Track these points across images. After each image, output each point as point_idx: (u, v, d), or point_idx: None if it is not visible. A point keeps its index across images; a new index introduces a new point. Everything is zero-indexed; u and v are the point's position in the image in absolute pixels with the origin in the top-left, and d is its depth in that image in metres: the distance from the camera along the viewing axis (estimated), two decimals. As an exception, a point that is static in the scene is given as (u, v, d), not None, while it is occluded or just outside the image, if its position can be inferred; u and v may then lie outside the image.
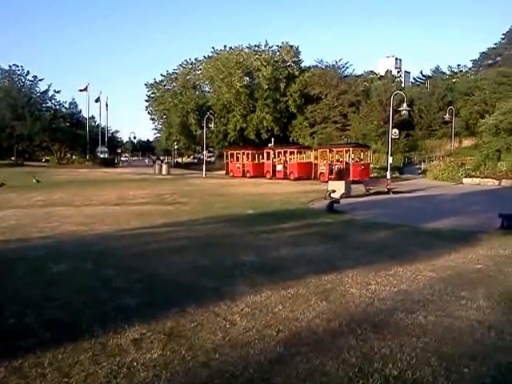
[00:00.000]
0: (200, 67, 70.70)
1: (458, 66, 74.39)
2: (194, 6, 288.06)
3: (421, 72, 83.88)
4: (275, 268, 8.70)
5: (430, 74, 78.23)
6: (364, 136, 55.41)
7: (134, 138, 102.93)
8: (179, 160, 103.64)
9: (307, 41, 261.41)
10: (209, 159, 64.14)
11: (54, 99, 72.89)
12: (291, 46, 67.54)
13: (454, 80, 67.69)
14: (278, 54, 67.09)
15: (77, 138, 72.38)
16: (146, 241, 11.63)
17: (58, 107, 73.71)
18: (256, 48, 67.43)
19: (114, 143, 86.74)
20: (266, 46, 67.49)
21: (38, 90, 71.65)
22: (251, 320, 5.83)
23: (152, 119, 76.90)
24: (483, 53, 75.39)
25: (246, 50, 67.78)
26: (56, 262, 8.87)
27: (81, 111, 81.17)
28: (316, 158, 43.58)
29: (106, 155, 74.33)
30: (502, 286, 7.57)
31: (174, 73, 72.24)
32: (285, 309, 6.26)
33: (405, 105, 34.10)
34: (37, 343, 5.05)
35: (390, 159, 31.86)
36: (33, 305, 6.38)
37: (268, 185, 34.67)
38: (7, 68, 69.68)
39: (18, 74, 69.99)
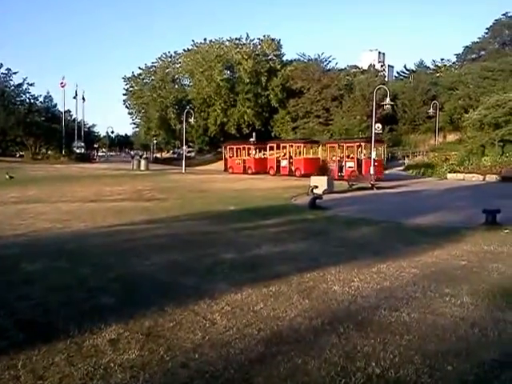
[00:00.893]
0: (179, 60, 70.25)
1: (442, 60, 75.16)
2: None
3: (404, 66, 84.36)
4: (256, 265, 8.69)
5: (413, 68, 78.61)
6: (347, 131, 55.59)
7: (112, 132, 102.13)
8: (158, 155, 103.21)
9: (289, 34, 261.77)
10: (189, 154, 63.74)
11: (29, 93, 72.11)
12: (273, 40, 67.24)
13: (437, 74, 68.35)
14: (259, 47, 66.75)
15: (52, 132, 71.00)
16: (123, 238, 11.55)
17: (32, 101, 72.82)
18: (237, 41, 67.06)
19: (90, 138, 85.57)
20: (247, 39, 67.23)
21: (12, 83, 70.87)
22: (232, 319, 5.81)
23: (130, 113, 76.38)
24: (467, 47, 76.14)
25: (227, 43, 67.41)
26: (30, 261, 8.77)
27: (56, 105, 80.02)
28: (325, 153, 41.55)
29: (83, 150, 73.52)
30: (486, 283, 7.64)
31: (152, 66, 71.57)
32: (266, 307, 6.25)
33: (388, 99, 34.29)
34: (10, 344, 4.97)
35: (374, 154, 32.03)
36: (5, 305, 6.29)
37: (250, 180, 34.66)
38: (-21, 61, 68.42)
39: (-9, 67, 68.89)
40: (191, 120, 53.46)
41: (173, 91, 68.22)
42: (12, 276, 7.81)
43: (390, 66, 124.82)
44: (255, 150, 46.69)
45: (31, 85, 71.50)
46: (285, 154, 42.77)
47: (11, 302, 6.41)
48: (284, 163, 42.22)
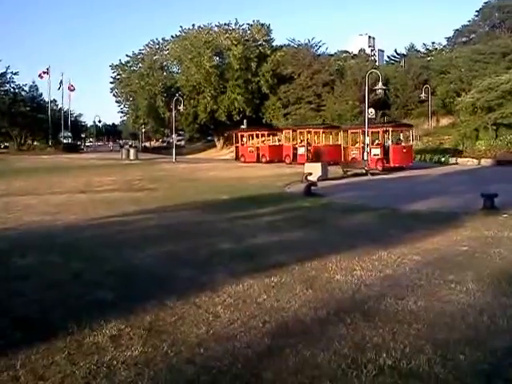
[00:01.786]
0: (167, 47, 69.07)
1: (433, 43, 74.63)
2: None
3: (395, 50, 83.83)
4: (255, 255, 8.63)
5: (404, 52, 78.34)
6: (339, 116, 55.33)
7: (99, 121, 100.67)
8: (147, 144, 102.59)
9: (278, 19, 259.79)
10: (178, 143, 63.23)
11: (13, 82, 69.98)
12: (262, 25, 66.41)
13: (429, 58, 67.93)
14: (248, 32, 65.94)
15: (38, 122, 69.51)
16: (116, 230, 11.42)
17: (17, 91, 70.73)
18: (226, 27, 66.07)
19: (77, 128, 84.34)
20: (236, 25, 66.24)
21: None
22: (235, 311, 5.74)
23: (118, 102, 75.17)
24: (457, 30, 75.83)
25: (216, 28, 66.39)
26: (21, 256, 8.64)
27: (42, 94, 77.88)
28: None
29: (70, 140, 72.54)
30: (490, 268, 7.62)
31: (140, 53, 70.28)
32: (269, 298, 6.19)
33: (380, 83, 34.10)
34: (6, 344, 4.85)
35: (367, 139, 31.90)
36: None
37: (243, 168, 34.43)
38: (-40, 49, 67.49)
39: (-28, 56, 67.97)
40: (180, 108, 52.92)
41: (161, 78, 67.13)
42: (3, 272, 7.68)
43: (381, 51, 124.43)
44: (269, 136, 44.02)
45: (15, 74, 69.40)
46: (302, 141, 39.27)
47: (4, 299, 6.31)
48: (301, 151, 38.51)
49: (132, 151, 51.86)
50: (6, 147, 74.15)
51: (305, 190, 18.48)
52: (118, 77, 71.49)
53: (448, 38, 76.67)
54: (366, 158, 30.82)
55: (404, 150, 33.14)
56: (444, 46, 74.26)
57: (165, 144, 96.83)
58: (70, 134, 72.81)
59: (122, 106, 76.75)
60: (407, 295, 6.27)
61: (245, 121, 55.47)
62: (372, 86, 37.72)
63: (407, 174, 28.36)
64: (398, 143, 33.82)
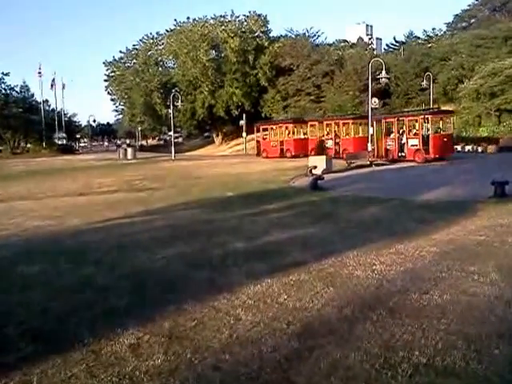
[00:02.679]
0: (162, 41, 68.57)
1: (433, 29, 74.34)
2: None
3: (394, 38, 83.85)
4: (269, 253, 8.53)
5: (403, 39, 78.12)
6: (340, 107, 55.11)
7: (94, 121, 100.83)
8: (144, 143, 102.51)
9: (275, 9, 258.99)
10: (176, 140, 62.98)
11: (4, 83, 69.81)
12: (259, 15, 65.92)
13: (429, 45, 67.58)
14: (245, 24, 65.45)
15: (31, 124, 69.38)
16: (123, 232, 11.31)
17: (8, 92, 70.48)
18: (221, 19, 65.70)
19: (72, 128, 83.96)
20: (232, 16, 65.93)
21: None
22: (257, 313, 5.64)
23: (113, 100, 74.94)
24: (457, 15, 75.57)
25: (211, 21, 65.93)
26: (27, 263, 8.46)
27: (33, 95, 77.59)
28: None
29: (65, 141, 72.35)
30: (510, 258, 7.56)
31: (134, 49, 69.84)
32: (290, 298, 6.09)
33: (383, 72, 33.94)
34: (21, 358, 4.69)
35: (371, 130, 31.75)
36: (8, 313, 6.03)
37: (244, 164, 34.32)
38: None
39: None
40: (178, 104, 52.66)
41: (157, 74, 66.75)
42: (10, 281, 7.50)
43: (378, 39, 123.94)
44: (294, 128, 41.14)
45: (6, 74, 69.47)
46: (329, 133, 37.33)
47: (14, 310, 6.13)
48: (329, 144, 36.58)
49: (129, 150, 51.70)
50: (-1, 151, 73.69)
51: (311, 183, 18.39)
52: (112, 74, 71.04)
53: (448, 24, 76.43)
54: (369, 148, 30.69)
55: (445, 140, 30.63)
56: (444, 32, 73.90)
57: (162, 142, 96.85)
58: (64, 134, 72.43)
59: (118, 104, 76.66)
60: (431, 289, 6.18)
61: (244, 115, 55.19)
62: (373, 74, 37.48)
63: (411, 164, 28.22)
64: (437, 132, 30.92)
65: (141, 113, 68.91)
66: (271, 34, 67.94)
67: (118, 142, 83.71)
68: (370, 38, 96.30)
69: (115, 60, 70.83)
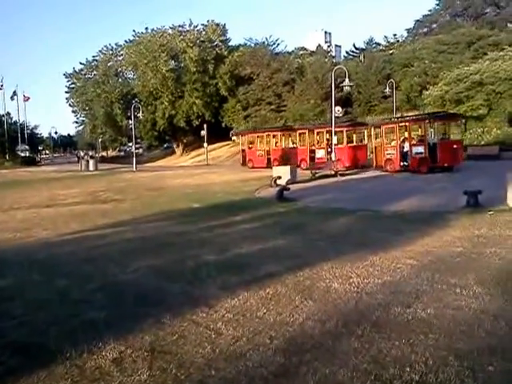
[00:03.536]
0: (121, 53, 68.96)
1: (395, 35, 75.77)
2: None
3: (353, 45, 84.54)
4: (242, 266, 8.49)
5: (363, 46, 79.22)
6: (301, 116, 55.55)
7: (55, 133, 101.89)
8: (104, 154, 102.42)
9: (232, 18, 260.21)
10: (136, 151, 62.78)
11: None
12: (217, 25, 66.52)
13: (390, 51, 68.77)
14: (203, 33, 65.92)
15: None
16: (92, 245, 11.25)
17: None
18: (180, 28, 66.26)
19: (34, 140, 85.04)
20: (190, 26, 66.51)
21: None
22: (237, 327, 5.60)
23: (74, 112, 75.26)
24: (418, 21, 77.06)
25: (170, 31, 66.41)
26: (0, 275, 8.47)
27: None
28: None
29: (27, 153, 72.79)
30: (491, 269, 7.66)
31: (94, 60, 70.30)
32: (269, 312, 6.05)
33: (347, 80, 34.14)
34: (5, 371, 4.70)
35: (335, 139, 31.96)
36: None
37: (204, 175, 34.20)
38: None
39: None
40: (139, 115, 52.86)
41: (117, 85, 67.24)
42: None
43: (337, 46, 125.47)
44: (282, 137, 40.25)
45: None
46: (319, 142, 36.12)
47: None
48: (320, 153, 35.09)
49: (91, 162, 51.63)
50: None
51: (277, 194, 18.38)
52: (73, 86, 71.47)
53: (409, 30, 78.02)
54: (333, 158, 30.90)
55: (454, 147, 28.22)
56: (405, 38, 75.25)
57: (122, 153, 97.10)
58: (27, 146, 72.90)
59: (79, 116, 77.00)
60: (413, 302, 6.20)
61: (205, 125, 55.32)
62: (335, 82, 37.79)
63: (377, 174, 28.50)
64: (443, 139, 29.24)
65: (102, 124, 69.36)
66: (230, 43, 68.86)
67: (81, 153, 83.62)
68: (328, 46, 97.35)
69: (75, 72, 71.22)
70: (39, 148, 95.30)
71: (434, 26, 73.62)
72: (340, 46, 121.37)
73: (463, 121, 34.94)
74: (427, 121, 29.17)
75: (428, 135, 28.68)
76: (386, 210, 15.13)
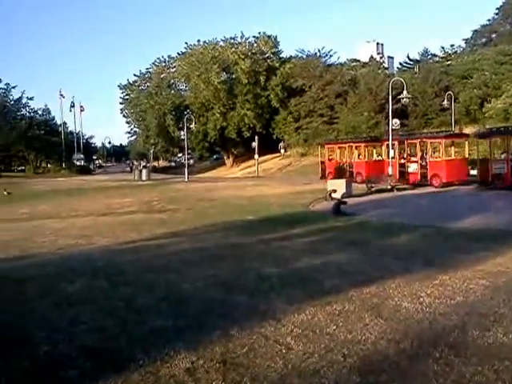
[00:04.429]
0: (174, 64, 71.06)
1: (452, 46, 74.34)
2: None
3: (407, 56, 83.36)
4: (305, 280, 8.43)
5: (417, 57, 77.94)
6: (354, 128, 55.21)
7: (109, 143, 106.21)
8: (155, 164, 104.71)
9: (284, 30, 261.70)
10: (188, 162, 63.89)
11: (28, 106, 74.71)
12: (269, 37, 67.46)
13: (448, 62, 67.68)
14: (255, 45, 67.02)
15: (52, 145, 74.22)
16: (152, 254, 11.51)
17: (32, 115, 75.51)
18: (232, 40, 67.59)
19: (89, 149, 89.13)
20: (242, 38, 67.72)
21: (11, 97, 73.02)
22: (307, 343, 5.51)
23: (128, 123, 78.15)
24: (476, 31, 75.69)
25: (222, 43, 67.89)
26: (68, 281, 8.73)
27: (54, 118, 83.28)
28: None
29: (82, 162, 76.88)
30: None
31: (147, 72, 73.00)
32: (339, 329, 5.94)
33: (405, 92, 33.98)
34: (80, 375, 4.81)
35: (392, 152, 31.58)
36: (60, 330, 6.17)
37: (256, 187, 34.27)
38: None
39: (-11, 83, 70.73)
40: (192, 126, 54.00)
41: (170, 97, 69.29)
42: (56, 298, 7.69)
43: (390, 57, 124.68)
44: (365, 148, 37.90)
45: (30, 99, 74.02)
46: (409, 155, 32.84)
47: (65, 327, 6.30)
48: (413, 168, 31.83)
49: (144, 172, 52.79)
50: (21, 170, 78.73)
51: (334, 208, 18.23)
52: (127, 97, 74.08)
53: (466, 40, 76.47)
54: (390, 172, 30.54)
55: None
56: (463, 49, 73.80)
57: (173, 163, 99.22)
58: (82, 156, 77.47)
59: (132, 127, 79.73)
60: (492, 326, 5.96)
61: (256, 137, 55.73)
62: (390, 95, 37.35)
63: (435, 190, 28.06)
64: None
65: (154, 135, 71.42)
66: (282, 55, 69.67)
67: (135, 162, 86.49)
68: (381, 57, 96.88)
69: (130, 83, 73.97)
70: (93, 157, 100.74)
71: (494, 35, 72.21)
72: (393, 58, 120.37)
73: None
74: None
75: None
76: (449, 226, 14.81)
